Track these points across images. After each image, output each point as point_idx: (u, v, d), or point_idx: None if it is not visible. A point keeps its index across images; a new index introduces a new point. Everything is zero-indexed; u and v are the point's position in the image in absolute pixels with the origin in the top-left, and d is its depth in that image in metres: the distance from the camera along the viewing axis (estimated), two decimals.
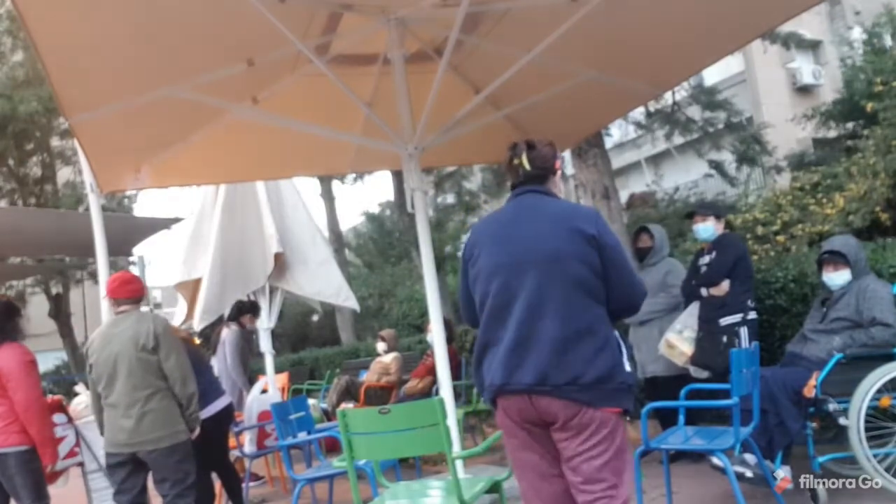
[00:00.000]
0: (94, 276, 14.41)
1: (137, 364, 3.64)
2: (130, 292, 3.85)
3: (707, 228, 4.67)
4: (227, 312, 6.54)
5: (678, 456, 4.44)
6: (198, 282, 6.30)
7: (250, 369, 6.68)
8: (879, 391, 3.47)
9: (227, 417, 4.40)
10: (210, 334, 7.12)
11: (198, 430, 3.82)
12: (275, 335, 7.22)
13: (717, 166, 11.71)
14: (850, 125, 12.66)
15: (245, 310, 6.43)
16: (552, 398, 2.19)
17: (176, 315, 6.84)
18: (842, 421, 3.47)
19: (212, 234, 6.20)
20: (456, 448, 3.89)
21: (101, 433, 3.79)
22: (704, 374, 4.49)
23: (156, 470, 3.69)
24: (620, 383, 2.21)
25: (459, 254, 18.75)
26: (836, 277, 3.90)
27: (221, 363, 6.22)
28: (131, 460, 3.70)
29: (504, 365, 2.25)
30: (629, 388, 2.25)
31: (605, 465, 2.19)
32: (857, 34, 13.27)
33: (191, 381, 3.76)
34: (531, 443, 2.32)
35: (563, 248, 2.26)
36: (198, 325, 6.15)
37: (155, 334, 3.68)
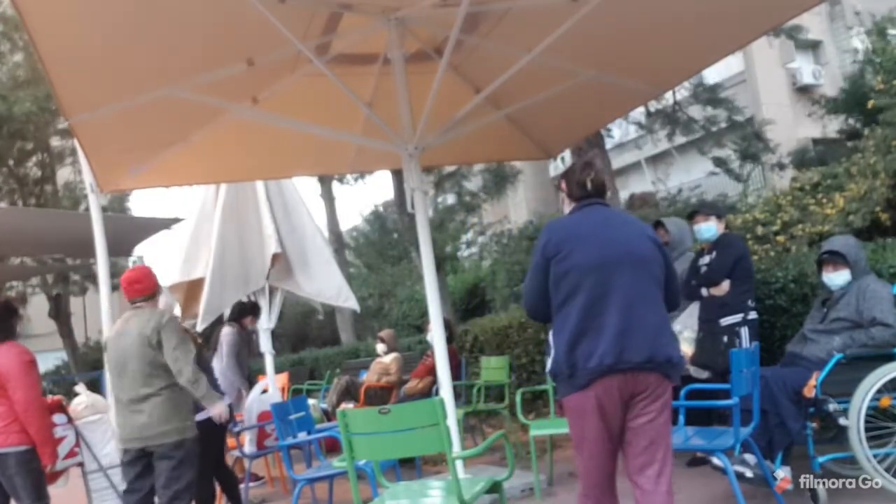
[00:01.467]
0: (93, 278, 14.41)
1: (145, 359, 3.71)
2: (138, 291, 3.90)
3: (709, 228, 4.66)
4: (227, 313, 6.54)
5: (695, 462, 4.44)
6: (192, 282, 6.30)
7: (249, 369, 6.68)
8: (879, 391, 3.47)
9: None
10: (210, 334, 7.12)
11: (222, 408, 3.91)
12: (275, 335, 7.21)
13: (721, 163, 11.69)
14: (851, 121, 12.63)
15: (246, 311, 6.45)
16: (651, 373, 2.60)
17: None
18: (842, 421, 3.47)
19: (212, 234, 6.20)
20: (456, 448, 3.89)
21: None
22: (705, 374, 4.49)
23: (158, 465, 3.70)
24: (681, 364, 2.77)
25: (459, 254, 18.69)
26: (836, 277, 3.90)
27: (219, 363, 6.23)
28: (142, 458, 3.73)
29: (613, 348, 2.56)
30: None
31: (664, 424, 2.65)
32: (865, 27, 13.20)
33: (188, 369, 3.73)
34: (614, 417, 2.62)
35: (647, 252, 2.71)
36: (200, 325, 6.15)
37: (157, 328, 3.74)
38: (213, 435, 4.22)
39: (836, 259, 3.89)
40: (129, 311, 3.93)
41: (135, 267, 4.19)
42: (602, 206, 2.80)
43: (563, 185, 2.88)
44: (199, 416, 4.10)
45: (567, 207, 2.87)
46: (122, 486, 3.90)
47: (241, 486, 5.58)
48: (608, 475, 2.65)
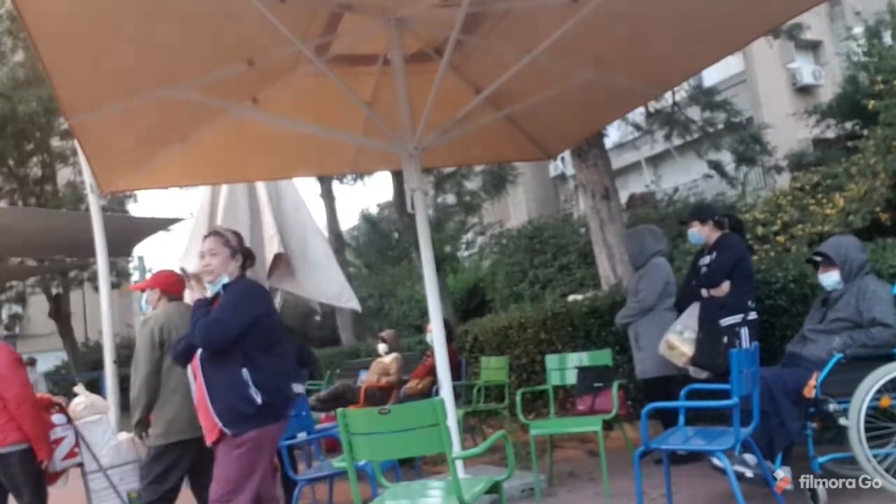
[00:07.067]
0: (93, 278, 14.41)
1: None
2: (181, 289, 4.09)
3: (693, 234, 4.73)
4: None
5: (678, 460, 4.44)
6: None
7: None
8: (879, 391, 3.47)
9: None
10: None
11: None
12: None
13: (717, 166, 11.70)
14: (848, 125, 12.65)
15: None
16: None
17: None
18: (842, 421, 3.47)
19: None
20: (456, 448, 3.89)
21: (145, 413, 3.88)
22: (704, 374, 4.49)
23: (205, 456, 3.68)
24: None
25: (459, 254, 18.65)
26: (826, 278, 3.92)
27: None
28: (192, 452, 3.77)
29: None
30: None
31: None
32: (859, 31, 13.24)
33: None
34: None
35: None
36: None
37: None
38: None
39: (826, 260, 3.91)
40: (177, 306, 4.01)
41: (168, 270, 4.29)
42: None
43: (238, 245, 3.30)
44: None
45: (231, 266, 3.25)
46: (147, 485, 3.84)
47: None
48: None
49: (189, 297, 3.75)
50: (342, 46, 4.39)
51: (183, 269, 3.57)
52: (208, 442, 3.17)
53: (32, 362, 17.01)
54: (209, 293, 3.28)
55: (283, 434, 3.22)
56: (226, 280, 3.23)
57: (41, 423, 4.02)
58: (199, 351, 3.15)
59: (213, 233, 3.33)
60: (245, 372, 3.05)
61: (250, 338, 3.09)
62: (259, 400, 3.03)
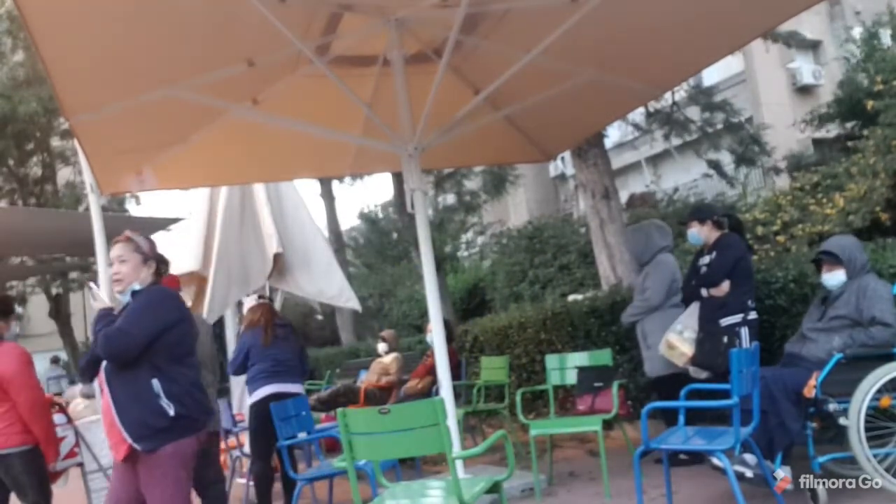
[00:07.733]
0: (93, 278, 14.37)
1: None
2: (177, 287, 4.13)
3: (692, 234, 4.73)
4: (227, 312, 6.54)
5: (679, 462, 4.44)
6: (201, 278, 6.30)
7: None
8: (879, 391, 3.47)
9: None
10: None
11: None
12: None
13: (716, 166, 11.70)
14: (848, 125, 12.67)
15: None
16: None
17: None
18: (842, 421, 3.47)
19: (215, 235, 6.20)
20: (456, 448, 3.89)
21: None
22: (703, 374, 4.49)
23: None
24: None
25: (459, 254, 18.59)
26: (831, 278, 3.91)
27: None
28: None
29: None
30: None
31: None
32: (857, 32, 13.26)
33: None
34: None
35: None
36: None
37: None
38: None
39: (831, 259, 3.90)
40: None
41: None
42: None
43: (150, 252, 3.06)
44: (258, 396, 4.58)
45: (143, 273, 3.00)
46: None
47: (243, 481, 5.61)
48: None
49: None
50: (342, 47, 4.39)
51: (89, 285, 3.44)
52: (118, 459, 2.94)
53: (57, 360, 17.06)
54: (120, 303, 3.02)
55: (196, 447, 2.96)
56: (136, 287, 2.99)
57: (51, 425, 4.02)
58: (105, 363, 2.92)
59: (123, 238, 3.06)
60: (156, 383, 2.84)
61: (159, 346, 2.88)
62: (172, 412, 2.82)
